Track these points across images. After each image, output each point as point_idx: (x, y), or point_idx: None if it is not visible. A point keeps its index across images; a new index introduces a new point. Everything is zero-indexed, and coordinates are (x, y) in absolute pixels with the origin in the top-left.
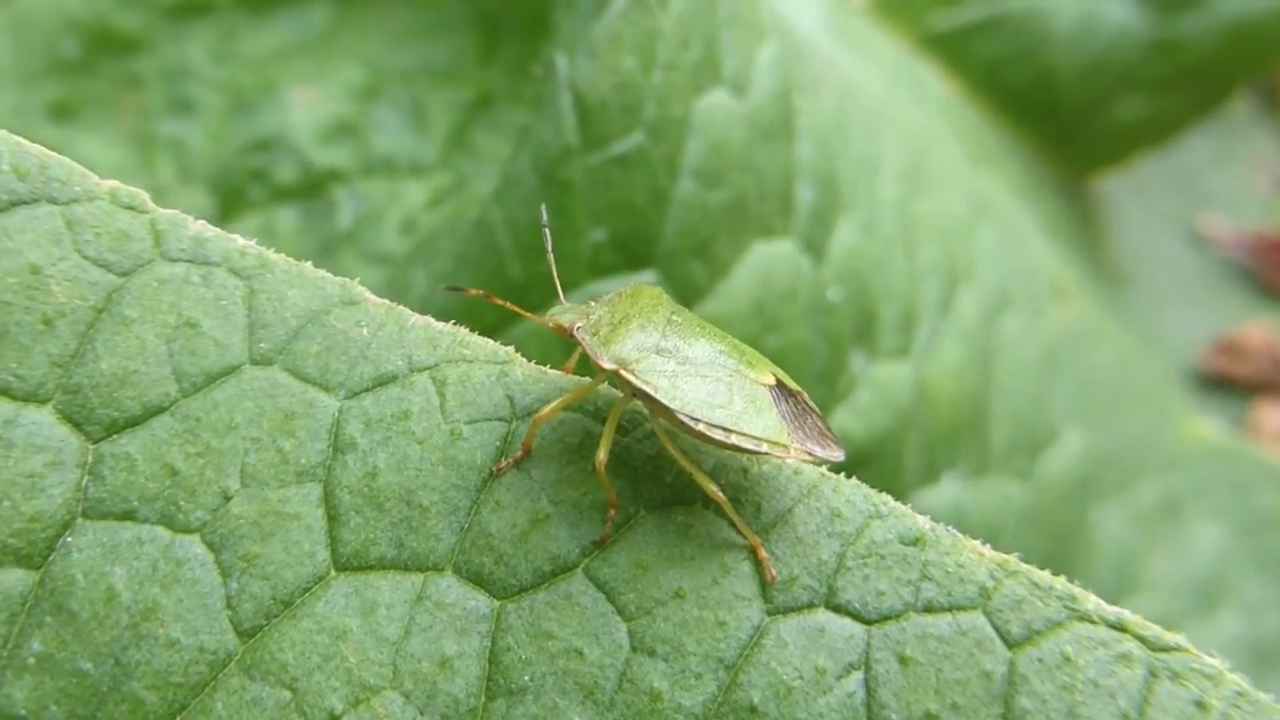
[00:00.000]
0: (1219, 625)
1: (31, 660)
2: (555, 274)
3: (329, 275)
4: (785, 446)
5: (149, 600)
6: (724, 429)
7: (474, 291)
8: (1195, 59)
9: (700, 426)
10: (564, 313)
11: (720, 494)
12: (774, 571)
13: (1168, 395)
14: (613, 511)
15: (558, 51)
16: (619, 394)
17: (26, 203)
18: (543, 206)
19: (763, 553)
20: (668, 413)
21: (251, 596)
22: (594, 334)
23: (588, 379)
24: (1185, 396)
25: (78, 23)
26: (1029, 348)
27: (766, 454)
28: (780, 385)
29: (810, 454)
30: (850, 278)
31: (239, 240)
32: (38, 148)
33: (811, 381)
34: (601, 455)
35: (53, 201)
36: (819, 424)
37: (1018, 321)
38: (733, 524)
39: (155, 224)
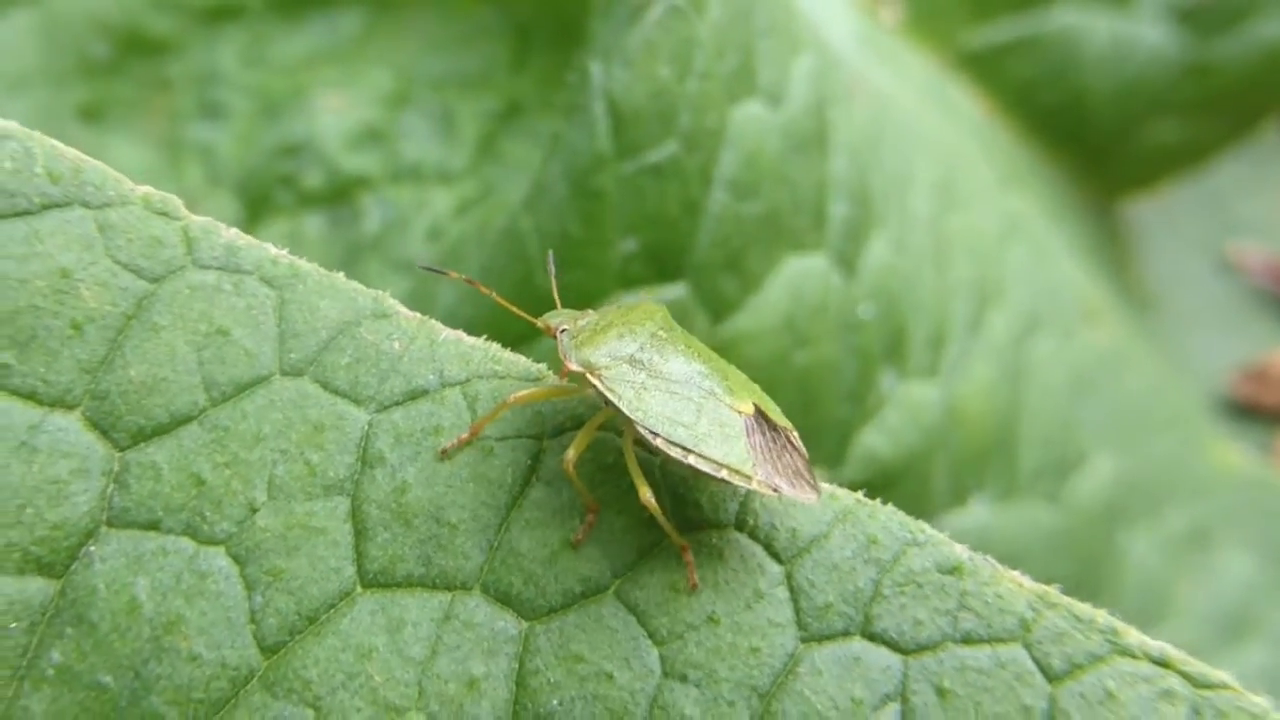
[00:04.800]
0: (1246, 656)
1: (51, 671)
2: (555, 286)
3: (361, 286)
4: (747, 476)
5: (172, 613)
6: (683, 448)
7: (455, 275)
8: (1229, 83)
9: (659, 442)
10: (556, 315)
11: (653, 501)
12: (695, 579)
13: (1196, 421)
14: (591, 516)
15: (592, 59)
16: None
17: (59, 205)
18: (549, 254)
19: (689, 556)
20: (629, 423)
21: (276, 611)
22: (573, 337)
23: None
24: (1213, 423)
25: (108, 25)
26: (1059, 370)
27: (726, 480)
28: (761, 416)
29: (775, 489)
30: (881, 294)
31: (271, 249)
32: (73, 151)
33: (840, 400)
34: (570, 454)
35: (85, 205)
36: (797, 463)
37: (1048, 343)
38: (664, 529)
39: (188, 231)
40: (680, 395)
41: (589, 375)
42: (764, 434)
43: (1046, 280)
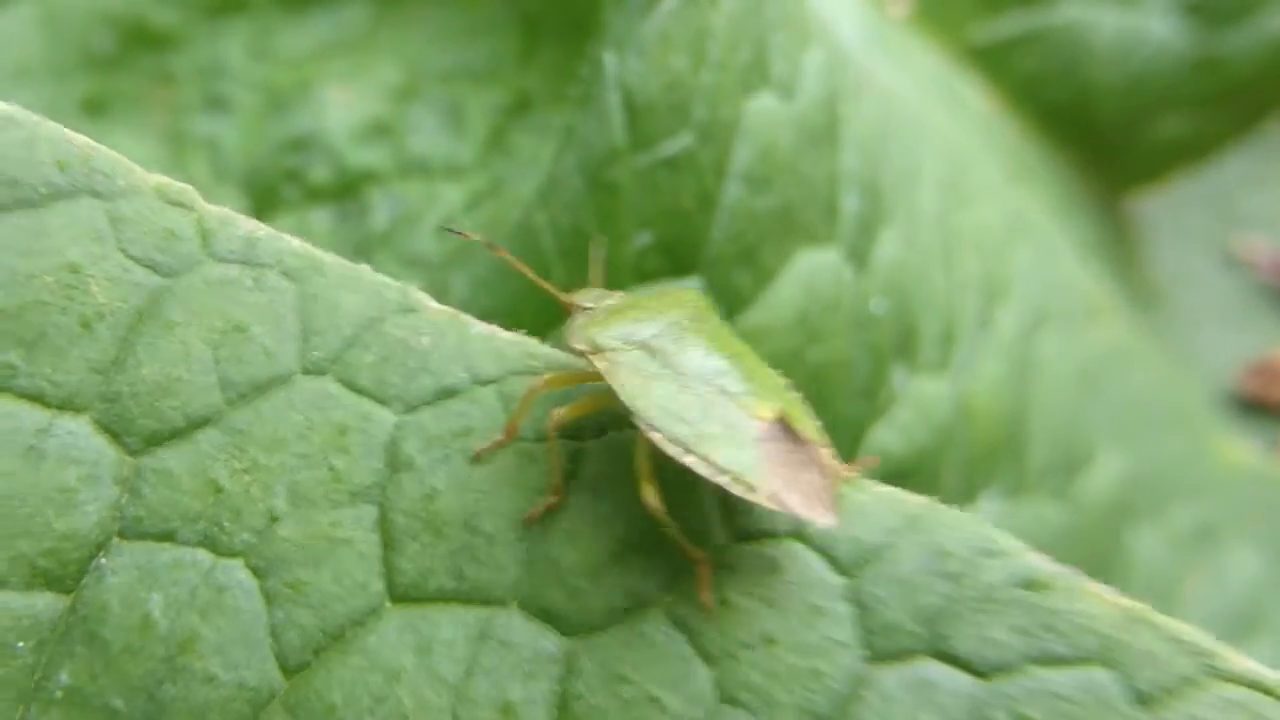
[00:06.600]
0: (1254, 653)
1: (59, 693)
2: (594, 268)
3: (387, 280)
4: (752, 487)
5: (187, 630)
6: (683, 446)
7: (474, 236)
8: (1237, 77)
9: (656, 436)
10: (586, 294)
11: (655, 501)
12: (708, 597)
13: (1202, 418)
14: (554, 498)
15: (606, 49)
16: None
17: (67, 196)
18: (603, 240)
19: (705, 574)
20: (631, 413)
21: (298, 629)
22: (590, 316)
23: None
24: (1219, 420)
25: (112, 17)
26: (1066, 366)
27: (727, 489)
28: (785, 425)
29: (783, 505)
30: (892, 290)
31: (292, 241)
32: (81, 138)
33: (852, 396)
34: (559, 411)
35: (95, 196)
36: (817, 482)
37: (1055, 340)
38: (675, 541)
39: (203, 222)
40: (691, 390)
41: (594, 357)
42: (783, 445)
43: (1052, 277)
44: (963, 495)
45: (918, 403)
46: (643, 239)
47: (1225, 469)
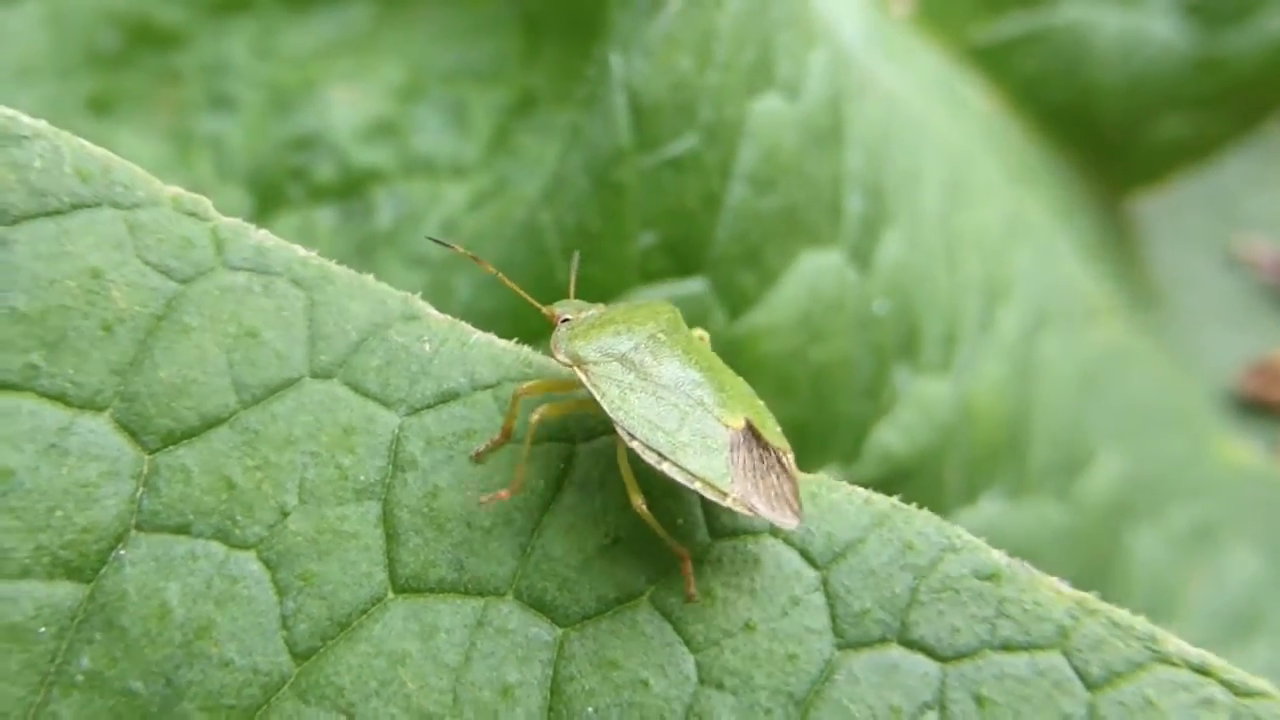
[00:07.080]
0: (1253, 654)
1: (80, 678)
2: (574, 279)
3: (391, 289)
4: (722, 492)
5: (203, 618)
6: (659, 454)
7: (458, 248)
8: (1239, 77)
9: (634, 444)
10: (564, 304)
11: (644, 508)
12: (693, 590)
13: (1202, 418)
14: (505, 492)
15: (612, 50)
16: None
17: (89, 205)
18: (575, 254)
19: (688, 568)
20: (611, 422)
21: (308, 617)
22: (572, 328)
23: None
24: (1220, 420)
25: (117, 15)
26: (1066, 367)
27: (699, 493)
28: (752, 433)
29: (752, 508)
30: (895, 291)
31: (300, 250)
32: (102, 150)
33: (855, 396)
34: (542, 409)
35: (115, 205)
36: (783, 486)
37: (1055, 341)
38: (661, 538)
39: (217, 232)
40: (666, 401)
41: (576, 369)
42: (751, 451)
43: (1052, 278)
44: (964, 495)
45: (920, 403)
46: (647, 239)
47: (1225, 469)
